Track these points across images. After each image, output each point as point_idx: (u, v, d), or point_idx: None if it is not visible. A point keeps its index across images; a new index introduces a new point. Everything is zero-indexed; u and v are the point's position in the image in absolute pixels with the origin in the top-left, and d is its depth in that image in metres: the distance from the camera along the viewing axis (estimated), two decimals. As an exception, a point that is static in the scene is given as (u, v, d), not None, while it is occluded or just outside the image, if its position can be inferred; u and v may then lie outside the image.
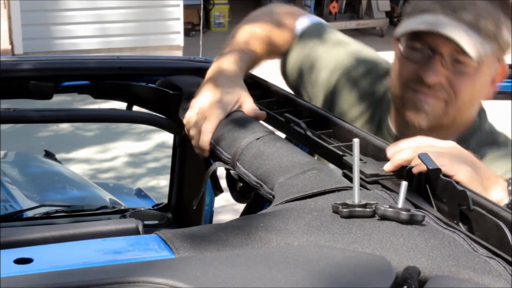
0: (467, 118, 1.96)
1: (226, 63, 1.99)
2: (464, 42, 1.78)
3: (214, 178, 1.96)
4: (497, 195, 1.57)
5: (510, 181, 1.58)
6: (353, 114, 2.10)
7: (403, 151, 1.58)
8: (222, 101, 1.87)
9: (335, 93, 2.14)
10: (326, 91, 2.16)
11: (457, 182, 1.48)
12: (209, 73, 2.00)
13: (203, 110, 1.88)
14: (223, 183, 1.96)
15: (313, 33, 2.19)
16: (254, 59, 2.10)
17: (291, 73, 2.23)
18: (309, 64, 2.18)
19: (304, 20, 2.20)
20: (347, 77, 2.13)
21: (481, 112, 2.01)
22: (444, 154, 1.56)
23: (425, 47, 1.86)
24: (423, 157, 1.51)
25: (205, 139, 1.86)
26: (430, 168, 1.49)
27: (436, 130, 1.90)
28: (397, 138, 1.96)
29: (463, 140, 1.91)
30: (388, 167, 1.59)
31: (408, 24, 1.87)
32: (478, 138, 1.95)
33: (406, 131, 1.94)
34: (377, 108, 2.08)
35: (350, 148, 1.57)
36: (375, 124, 2.07)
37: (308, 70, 2.18)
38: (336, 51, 2.17)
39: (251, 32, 2.11)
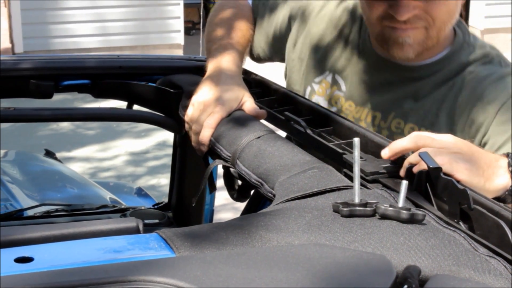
0: (448, 33, 1.95)
1: (225, 62, 1.99)
2: None
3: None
4: (502, 180, 1.57)
5: (510, 158, 1.58)
6: (327, 40, 2.09)
7: (402, 139, 1.58)
8: (225, 99, 1.88)
9: (304, 32, 2.14)
10: (299, 37, 2.15)
11: (458, 181, 1.48)
12: (209, 71, 2.00)
13: (206, 106, 1.88)
14: (221, 182, 1.96)
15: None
16: (244, 55, 2.14)
17: (260, 44, 2.26)
18: (275, 25, 2.20)
19: None
20: (315, 13, 2.14)
21: (460, 24, 2.00)
22: (442, 152, 1.55)
23: None
24: (423, 155, 1.50)
25: (206, 134, 1.86)
26: (431, 167, 1.49)
27: (422, 54, 1.90)
28: (382, 59, 1.97)
29: (454, 57, 1.93)
30: (385, 152, 1.57)
31: None
32: (469, 54, 1.94)
33: (385, 62, 1.96)
34: (353, 29, 2.08)
35: (350, 145, 1.57)
36: (356, 47, 2.06)
37: (276, 30, 2.21)
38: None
39: (231, 25, 2.13)
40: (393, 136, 1.92)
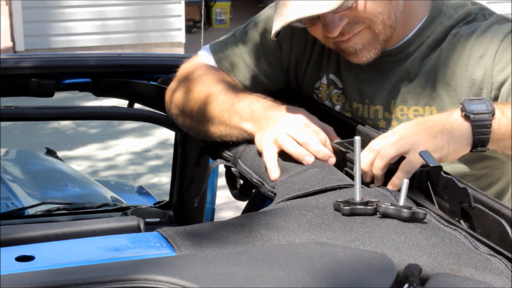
0: (412, 9, 1.88)
1: (259, 102, 1.84)
2: (316, 9, 1.70)
3: (230, 175, 1.93)
4: (462, 130, 1.59)
5: (461, 104, 1.60)
6: (314, 47, 2.03)
7: (365, 156, 1.59)
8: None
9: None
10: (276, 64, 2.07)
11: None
12: (258, 121, 1.81)
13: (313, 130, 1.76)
14: (222, 181, 1.95)
15: (217, 48, 2.10)
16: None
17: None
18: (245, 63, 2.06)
19: (201, 53, 2.12)
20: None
21: None
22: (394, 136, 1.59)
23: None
24: (423, 154, 1.51)
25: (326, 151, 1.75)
26: (431, 165, 1.49)
27: (383, 47, 1.86)
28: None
29: (434, 23, 1.87)
30: (377, 184, 1.60)
31: (273, 27, 1.77)
32: (451, 17, 1.88)
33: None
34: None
35: (352, 144, 1.58)
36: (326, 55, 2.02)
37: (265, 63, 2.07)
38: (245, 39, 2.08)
39: (221, 88, 1.94)
40: (417, 118, 1.88)
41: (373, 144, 1.61)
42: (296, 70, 2.06)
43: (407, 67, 1.89)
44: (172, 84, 2.07)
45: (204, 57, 2.09)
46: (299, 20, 1.75)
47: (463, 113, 1.59)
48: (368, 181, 1.60)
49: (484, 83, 1.78)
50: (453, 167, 1.82)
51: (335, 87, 1.99)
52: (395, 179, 1.56)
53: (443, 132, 1.58)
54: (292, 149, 1.70)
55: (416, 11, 1.89)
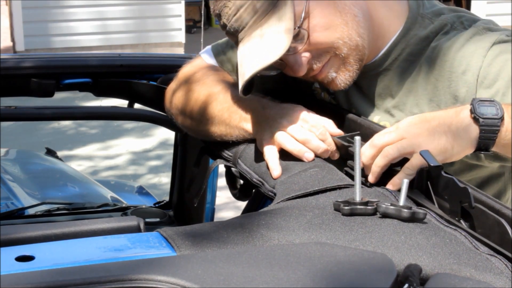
0: (394, 13, 1.85)
1: (259, 101, 1.84)
2: (266, 60, 1.68)
3: (230, 176, 1.93)
4: (468, 132, 1.55)
5: (472, 104, 1.55)
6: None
7: (367, 149, 1.58)
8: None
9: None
10: None
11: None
12: (257, 122, 1.81)
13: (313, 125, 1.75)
14: (222, 181, 1.95)
15: (218, 49, 2.10)
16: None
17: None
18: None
19: (203, 54, 2.11)
20: None
21: (416, 0, 1.89)
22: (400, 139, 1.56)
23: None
24: (424, 154, 1.51)
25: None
26: (432, 165, 1.49)
27: (362, 61, 1.82)
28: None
29: (410, 34, 1.83)
30: (372, 179, 1.58)
31: (239, 84, 1.74)
32: (426, 27, 1.83)
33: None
34: None
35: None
36: None
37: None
38: None
39: (219, 88, 1.94)
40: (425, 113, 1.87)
41: (376, 140, 1.58)
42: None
43: (387, 83, 1.86)
44: (172, 85, 2.07)
45: (206, 58, 2.09)
46: (261, 73, 1.72)
47: (473, 115, 1.55)
48: (368, 174, 1.59)
49: (466, 100, 1.72)
50: None
51: (328, 93, 1.99)
52: (396, 179, 1.55)
53: (448, 133, 1.55)
54: (292, 147, 1.70)
55: (388, 24, 1.85)
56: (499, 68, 1.71)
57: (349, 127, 1.80)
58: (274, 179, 1.65)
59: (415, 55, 1.83)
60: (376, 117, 1.88)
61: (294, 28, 1.70)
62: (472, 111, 1.55)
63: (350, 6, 1.78)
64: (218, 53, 2.08)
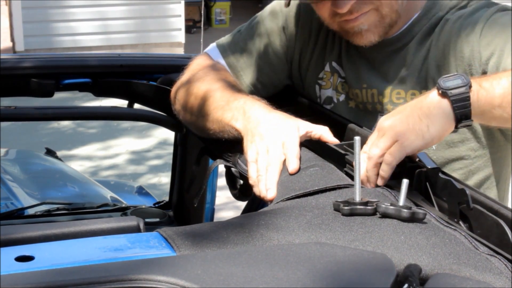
0: (409, 1, 1.90)
1: (252, 103, 1.82)
2: None
3: (230, 175, 1.93)
4: (439, 108, 1.57)
5: (437, 83, 1.58)
6: (316, 37, 2.05)
7: (383, 175, 1.59)
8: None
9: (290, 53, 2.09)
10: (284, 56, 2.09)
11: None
12: (246, 127, 1.78)
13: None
14: (222, 181, 1.95)
15: (226, 45, 2.11)
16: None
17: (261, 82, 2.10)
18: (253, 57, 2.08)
19: (208, 51, 2.12)
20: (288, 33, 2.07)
21: None
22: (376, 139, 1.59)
23: None
24: (421, 156, 1.51)
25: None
26: (429, 167, 1.49)
27: (387, 31, 1.88)
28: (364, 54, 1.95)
29: (430, 12, 1.90)
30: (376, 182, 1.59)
31: None
32: (445, 5, 1.90)
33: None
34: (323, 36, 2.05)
35: (352, 146, 1.58)
36: (335, 52, 2.03)
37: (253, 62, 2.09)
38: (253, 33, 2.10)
39: (221, 86, 1.94)
40: (397, 107, 1.90)
41: (371, 152, 1.60)
42: (300, 60, 2.08)
43: (403, 55, 1.92)
44: (178, 82, 2.09)
45: (211, 55, 2.11)
46: None
47: (440, 91, 1.57)
48: (371, 183, 1.60)
49: (471, 58, 1.79)
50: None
51: (339, 76, 2.01)
52: (380, 171, 1.57)
53: (421, 116, 1.57)
54: (251, 178, 1.70)
55: (415, 1, 1.91)
56: (499, 28, 1.78)
57: (347, 136, 1.81)
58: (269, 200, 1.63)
59: (431, 29, 1.90)
60: (388, 87, 1.92)
61: None
62: (438, 87, 1.58)
63: None
64: (223, 49, 2.11)
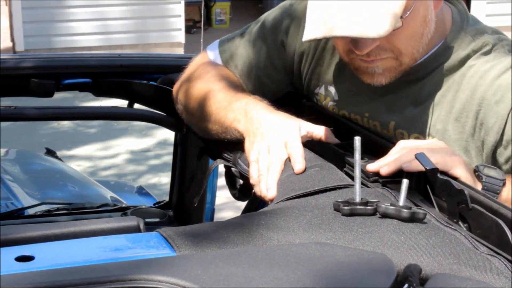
0: (441, 25, 1.82)
1: (254, 104, 1.81)
2: (368, 32, 1.63)
3: (230, 176, 1.93)
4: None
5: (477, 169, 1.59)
6: (315, 52, 1.99)
7: (395, 153, 1.59)
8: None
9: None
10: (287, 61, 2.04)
11: (455, 178, 1.51)
12: (248, 128, 1.78)
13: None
14: (222, 181, 1.95)
15: (225, 45, 2.08)
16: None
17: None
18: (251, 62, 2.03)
19: (209, 51, 2.10)
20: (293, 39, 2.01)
21: (458, 6, 1.86)
22: (435, 150, 1.57)
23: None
24: (419, 156, 1.51)
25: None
26: (428, 168, 1.49)
27: (399, 75, 1.80)
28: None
29: (450, 49, 1.80)
30: (385, 170, 1.57)
31: (309, 30, 1.71)
32: (468, 44, 1.80)
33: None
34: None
35: (352, 146, 1.58)
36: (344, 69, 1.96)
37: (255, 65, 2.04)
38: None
39: (221, 87, 1.92)
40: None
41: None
42: (300, 69, 2.04)
43: (414, 90, 1.83)
44: (179, 81, 2.08)
45: (212, 54, 2.09)
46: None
47: (476, 173, 1.58)
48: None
49: (493, 130, 1.70)
50: None
51: (331, 100, 1.97)
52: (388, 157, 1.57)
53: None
54: (252, 177, 1.70)
55: (434, 35, 1.81)
56: None
57: (347, 136, 1.80)
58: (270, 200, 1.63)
59: (450, 70, 1.80)
60: (391, 123, 1.85)
61: (401, 17, 1.67)
62: (476, 170, 1.59)
63: (433, 19, 1.77)
64: (223, 50, 2.07)
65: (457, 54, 1.80)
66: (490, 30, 1.84)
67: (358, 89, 1.90)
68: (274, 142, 1.70)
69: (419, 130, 1.81)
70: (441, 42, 1.82)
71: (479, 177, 1.58)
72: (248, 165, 1.75)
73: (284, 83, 2.06)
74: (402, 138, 1.82)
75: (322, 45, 1.97)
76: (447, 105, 1.78)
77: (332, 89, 1.96)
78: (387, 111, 1.86)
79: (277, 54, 2.02)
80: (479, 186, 1.57)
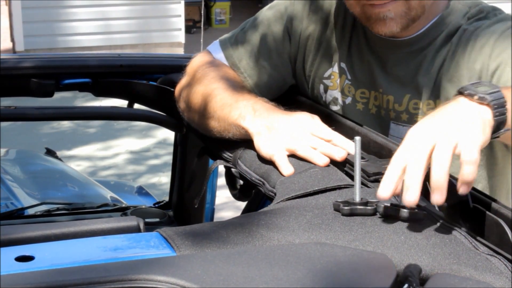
0: (434, 1, 1.88)
1: (262, 103, 1.81)
2: None
3: (230, 176, 1.92)
4: (472, 115, 1.38)
5: (463, 90, 1.43)
6: (324, 33, 2.03)
7: (391, 169, 1.39)
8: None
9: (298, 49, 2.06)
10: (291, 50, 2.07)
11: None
12: (259, 125, 1.76)
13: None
14: (222, 181, 1.95)
15: (228, 42, 2.09)
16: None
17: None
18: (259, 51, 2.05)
19: (211, 49, 2.10)
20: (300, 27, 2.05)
21: None
22: (443, 125, 1.38)
23: None
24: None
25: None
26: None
27: (414, 25, 1.86)
28: (379, 39, 1.92)
29: (449, 18, 1.88)
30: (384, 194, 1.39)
31: None
32: (465, 13, 1.89)
33: (383, 42, 1.91)
34: (345, 15, 2.02)
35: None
36: (351, 32, 2.00)
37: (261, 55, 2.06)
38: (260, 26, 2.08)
39: (225, 86, 1.92)
40: (413, 118, 1.88)
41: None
42: (304, 59, 2.05)
43: (419, 60, 1.89)
44: (181, 81, 2.07)
45: (214, 53, 2.09)
46: None
47: (476, 97, 1.40)
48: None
49: (482, 71, 1.78)
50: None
51: (346, 78, 1.99)
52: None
53: (457, 121, 1.38)
54: (305, 153, 1.67)
55: (436, 4, 1.90)
56: (508, 43, 1.76)
57: (346, 134, 1.80)
58: (285, 176, 1.63)
59: (449, 38, 1.88)
60: (406, 95, 1.90)
61: None
62: (472, 94, 1.40)
63: None
64: (225, 47, 2.08)
65: (455, 23, 1.88)
66: (486, 4, 1.94)
67: (369, 66, 1.95)
68: (301, 135, 1.70)
69: (428, 96, 1.87)
70: (440, 13, 1.90)
71: (481, 99, 1.39)
72: (248, 165, 1.75)
73: (288, 73, 2.08)
74: (416, 107, 1.88)
75: (331, 27, 2.00)
76: (445, 67, 1.86)
77: (345, 66, 2.00)
78: (399, 86, 1.91)
79: (281, 43, 2.05)
80: (488, 111, 1.39)
